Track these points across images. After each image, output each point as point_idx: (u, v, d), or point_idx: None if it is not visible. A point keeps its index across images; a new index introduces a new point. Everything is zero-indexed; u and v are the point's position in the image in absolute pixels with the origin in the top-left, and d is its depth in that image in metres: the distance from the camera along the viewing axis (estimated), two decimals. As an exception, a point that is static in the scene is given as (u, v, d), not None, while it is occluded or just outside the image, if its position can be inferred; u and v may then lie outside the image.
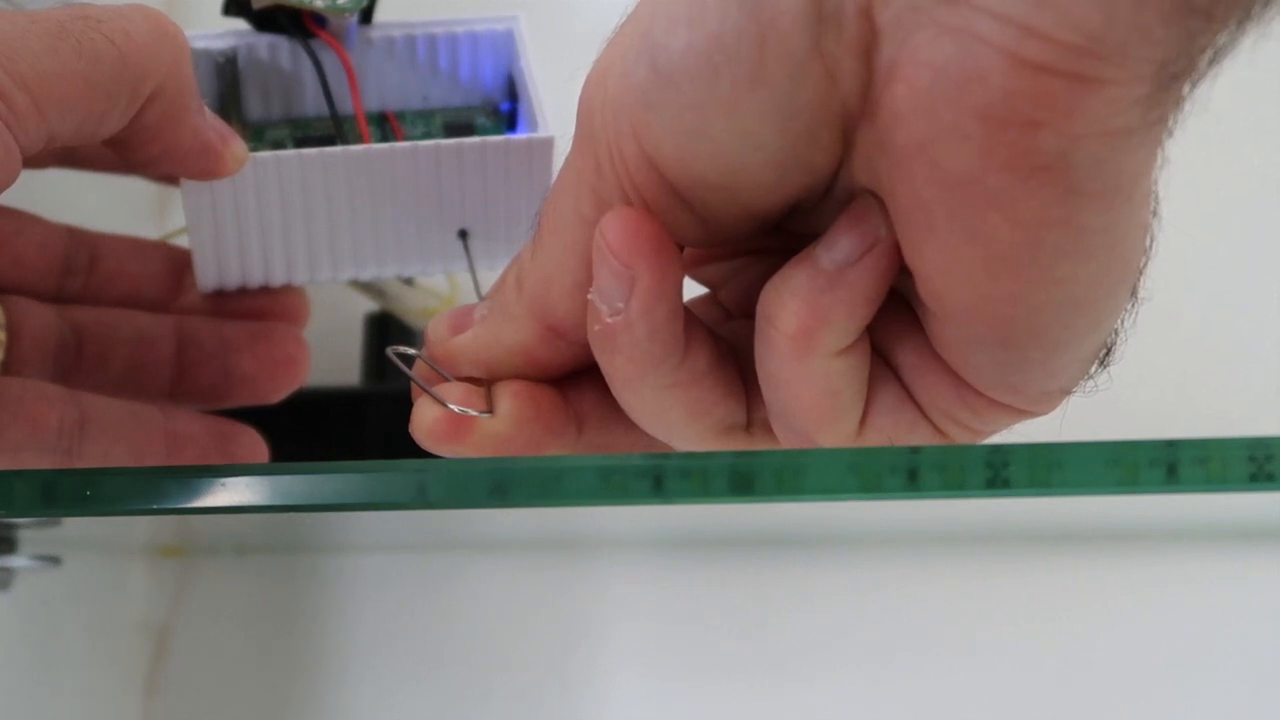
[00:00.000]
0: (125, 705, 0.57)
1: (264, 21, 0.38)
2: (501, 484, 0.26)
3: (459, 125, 0.39)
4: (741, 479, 0.25)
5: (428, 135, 0.39)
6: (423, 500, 0.26)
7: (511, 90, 0.40)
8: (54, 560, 0.46)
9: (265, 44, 0.38)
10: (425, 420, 0.30)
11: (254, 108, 0.39)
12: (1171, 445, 0.25)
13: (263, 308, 0.39)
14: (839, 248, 0.26)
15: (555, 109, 0.37)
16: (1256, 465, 0.25)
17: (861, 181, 0.26)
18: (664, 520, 0.53)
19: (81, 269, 0.39)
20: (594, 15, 0.30)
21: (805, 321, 0.26)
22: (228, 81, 0.38)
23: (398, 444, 0.49)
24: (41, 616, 0.52)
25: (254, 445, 0.38)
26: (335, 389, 0.50)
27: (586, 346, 0.28)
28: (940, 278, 0.25)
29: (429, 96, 0.39)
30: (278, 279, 0.37)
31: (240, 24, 0.38)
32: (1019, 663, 0.52)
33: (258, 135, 0.38)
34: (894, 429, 0.28)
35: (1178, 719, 0.51)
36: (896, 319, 0.28)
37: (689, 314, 0.28)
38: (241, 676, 0.57)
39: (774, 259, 0.28)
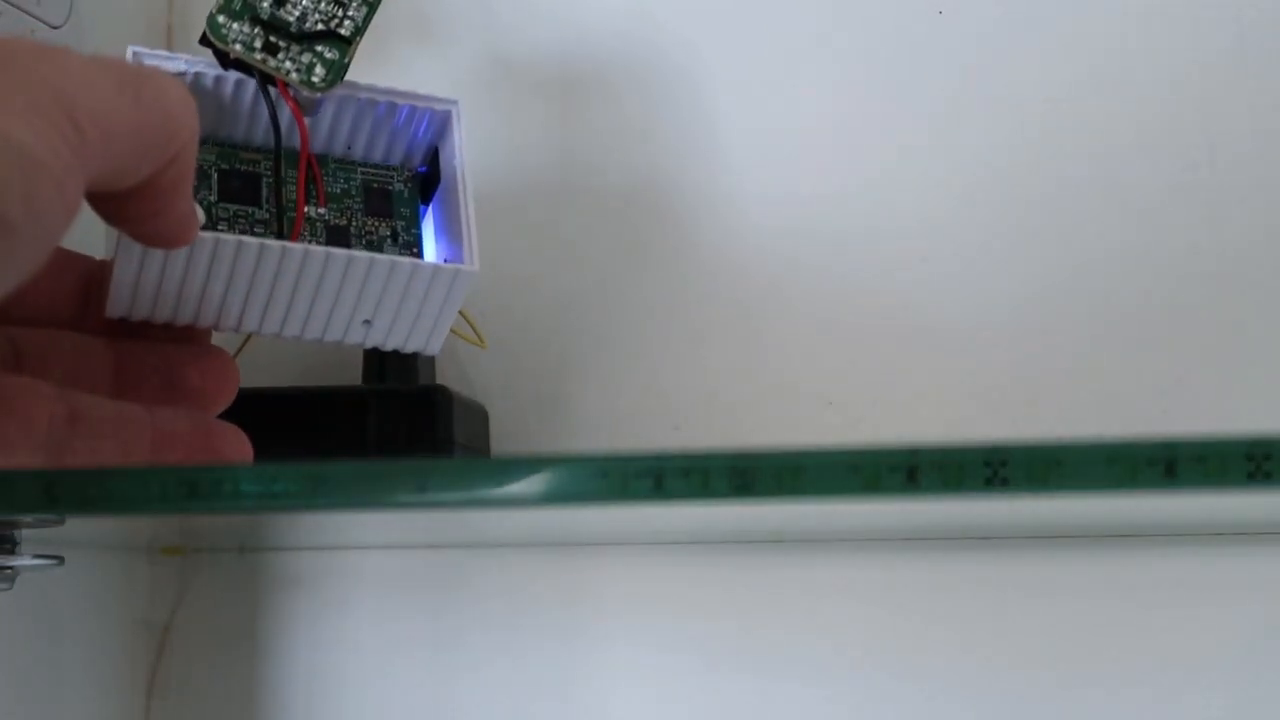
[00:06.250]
0: (128, 702, 0.57)
1: (236, 66, 0.39)
2: (501, 484, 0.26)
3: (376, 188, 0.42)
4: (741, 479, 0.25)
5: (347, 193, 0.41)
6: (423, 500, 0.26)
7: (431, 157, 0.42)
8: (56, 559, 0.46)
9: (213, 73, 0.40)
10: None
11: None
12: (1170, 444, 0.25)
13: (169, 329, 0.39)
14: None
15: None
16: (1254, 464, 0.25)
17: None
18: (665, 519, 0.53)
19: None
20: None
21: None
22: None
23: (398, 444, 0.49)
24: (44, 614, 0.52)
25: (239, 442, 0.39)
26: (335, 389, 0.50)
27: None
28: None
29: (354, 147, 0.42)
30: (183, 321, 0.39)
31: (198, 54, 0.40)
32: (1018, 662, 0.52)
33: None
34: None
35: (1175, 718, 0.51)
36: None
37: None
38: (242, 674, 0.57)
39: None
